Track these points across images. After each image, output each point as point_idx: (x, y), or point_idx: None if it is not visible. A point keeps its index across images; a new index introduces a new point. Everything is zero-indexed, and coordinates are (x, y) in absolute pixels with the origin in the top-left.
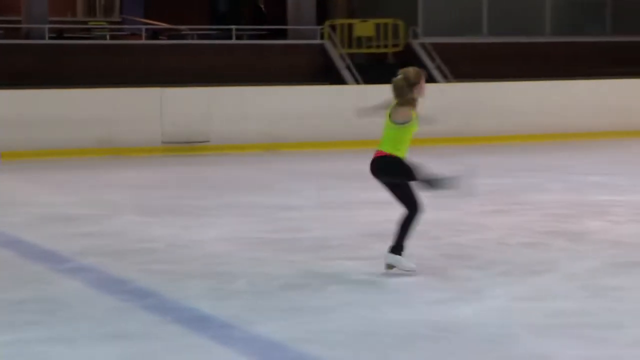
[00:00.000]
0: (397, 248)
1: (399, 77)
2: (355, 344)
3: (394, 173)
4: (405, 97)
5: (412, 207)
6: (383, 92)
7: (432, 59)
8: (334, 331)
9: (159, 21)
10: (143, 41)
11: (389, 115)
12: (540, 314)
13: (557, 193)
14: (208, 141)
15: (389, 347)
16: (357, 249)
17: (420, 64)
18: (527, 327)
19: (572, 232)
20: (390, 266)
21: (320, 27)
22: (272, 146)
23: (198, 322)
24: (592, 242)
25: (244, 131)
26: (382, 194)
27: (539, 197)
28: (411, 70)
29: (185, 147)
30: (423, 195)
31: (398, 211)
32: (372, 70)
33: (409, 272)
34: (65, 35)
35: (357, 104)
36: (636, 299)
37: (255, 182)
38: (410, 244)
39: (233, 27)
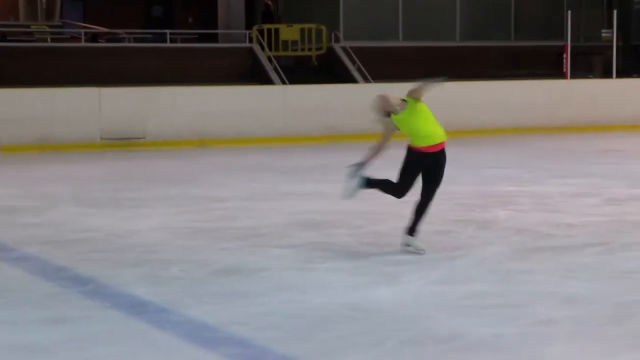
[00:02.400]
0: (411, 230)
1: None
2: (282, 325)
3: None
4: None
5: (431, 195)
6: (307, 92)
7: (353, 62)
8: (263, 314)
9: (97, 25)
10: (83, 44)
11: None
12: (453, 296)
13: (467, 184)
14: (144, 138)
15: (313, 327)
16: (284, 237)
17: (342, 66)
18: (440, 308)
19: (481, 220)
20: (406, 244)
21: (248, 31)
22: (203, 142)
23: (136, 307)
24: (500, 230)
25: (177, 128)
26: (305, 186)
27: (451, 188)
28: (375, 104)
29: (123, 143)
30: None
31: (320, 203)
32: (297, 71)
33: (419, 251)
34: (8, 38)
35: (284, 103)
36: (541, 281)
37: (188, 176)
38: (332, 232)
39: (167, 31)
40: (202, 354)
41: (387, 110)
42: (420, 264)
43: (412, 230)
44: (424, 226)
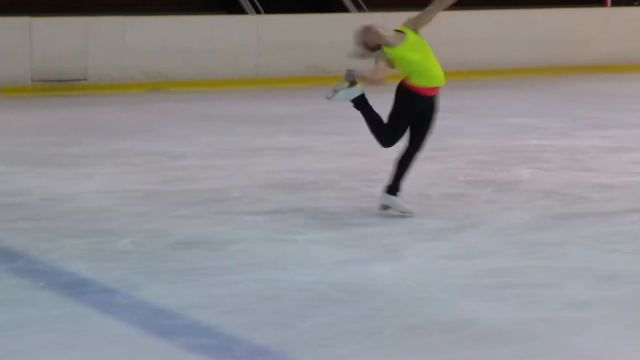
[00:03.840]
0: (392, 188)
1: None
2: (255, 309)
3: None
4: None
5: (422, 144)
6: (286, 24)
7: None
8: (231, 295)
9: None
10: None
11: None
12: (466, 274)
13: (482, 137)
14: (85, 79)
15: (293, 312)
16: (258, 201)
17: None
18: (450, 289)
19: (499, 181)
20: (384, 207)
21: None
22: (157, 85)
23: (75, 287)
24: (522, 193)
25: (126, 68)
26: (283, 138)
27: (462, 141)
28: (359, 37)
29: (59, 86)
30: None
31: (302, 159)
32: None
33: (404, 215)
34: None
35: (258, 37)
36: (571, 256)
37: (139, 127)
38: (318, 196)
39: None
40: (157, 345)
41: (375, 44)
42: (424, 235)
43: (394, 189)
44: (430, 188)
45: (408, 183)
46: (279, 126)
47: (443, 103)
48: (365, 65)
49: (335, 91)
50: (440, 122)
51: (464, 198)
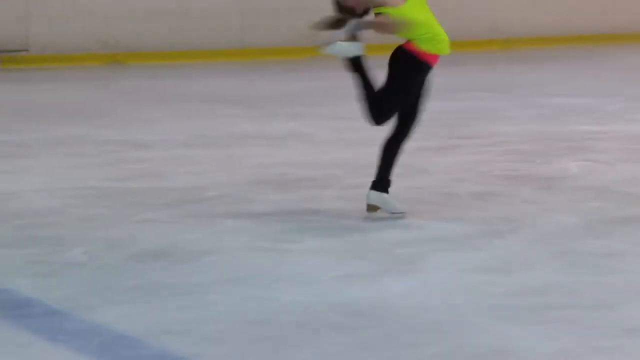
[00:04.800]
0: (381, 184)
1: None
2: (238, 337)
3: None
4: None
5: (409, 125)
6: None
7: None
8: (208, 319)
9: None
10: None
11: None
12: (501, 292)
13: (520, 122)
14: (26, 51)
15: (283, 341)
16: (242, 202)
17: None
18: (482, 310)
19: (542, 176)
20: (373, 208)
21: None
22: (116, 57)
23: (14, 309)
24: (570, 191)
25: (77, 37)
26: (274, 124)
27: (496, 127)
28: None
29: None
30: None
31: (297, 150)
32: None
33: (396, 216)
34: None
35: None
36: (631, 270)
37: (94, 109)
38: (316, 195)
39: None
40: None
41: (366, 7)
42: (449, 244)
43: (383, 184)
44: (456, 186)
45: (427, 179)
46: (269, 108)
47: (472, 80)
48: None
49: (332, 42)
50: (469, 104)
51: (498, 198)
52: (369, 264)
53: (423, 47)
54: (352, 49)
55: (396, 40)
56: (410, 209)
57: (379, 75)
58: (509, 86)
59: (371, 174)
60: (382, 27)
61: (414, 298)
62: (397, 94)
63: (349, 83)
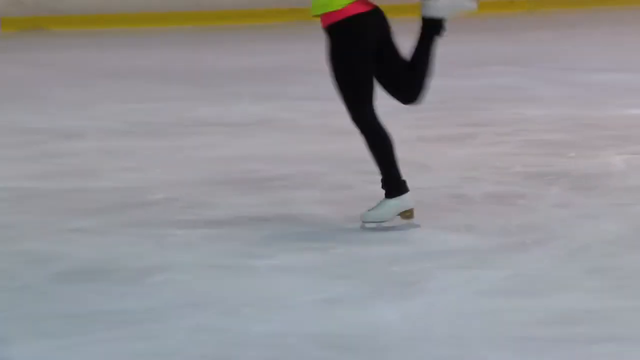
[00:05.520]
0: (394, 182)
1: None
2: None
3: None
4: None
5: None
6: None
7: None
8: (155, 354)
9: None
10: None
11: None
12: (524, 320)
13: (549, 104)
14: None
15: None
16: (197, 207)
17: None
18: (499, 343)
19: (577, 173)
20: (377, 221)
21: None
22: (37, 22)
23: None
24: (612, 192)
25: None
26: (241, 107)
27: (519, 111)
28: None
29: None
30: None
31: (270, 139)
32: None
33: (367, 225)
34: None
35: None
36: None
37: (6, 87)
38: (291, 197)
39: None
40: None
41: None
42: (458, 259)
43: (396, 187)
44: (466, 185)
45: (431, 178)
46: (231, 87)
47: (489, 51)
48: None
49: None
50: (484, 82)
51: (521, 201)
52: (357, 284)
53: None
54: (463, 2)
55: None
56: (418, 216)
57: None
58: (534, 58)
59: (361, 171)
60: None
61: (414, 328)
62: (349, 68)
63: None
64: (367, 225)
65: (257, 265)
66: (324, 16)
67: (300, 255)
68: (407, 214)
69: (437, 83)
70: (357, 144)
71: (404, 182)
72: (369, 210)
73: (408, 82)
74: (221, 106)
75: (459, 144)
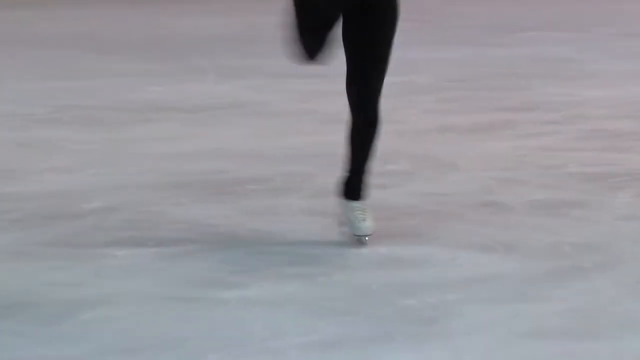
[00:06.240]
0: (355, 184)
1: None
2: None
3: None
4: None
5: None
6: None
7: None
8: None
9: None
10: None
11: None
12: None
13: (612, 82)
14: None
15: None
16: (142, 220)
17: None
18: None
19: None
20: (343, 223)
21: None
22: None
23: None
24: None
25: None
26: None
27: (572, 92)
28: None
29: None
30: None
31: (240, 130)
32: None
33: (341, 238)
34: None
35: None
36: None
37: None
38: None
39: None
40: None
41: None
42: (491, 289)
43: (354, 186)
44: (501, 190)
45: (457, 180)
46: (194, 59)
47: (532, 14)
48: None
49: None
50: (527, 52)
51: (575, 210)
52: (358, 323)
53: None
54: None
55: None
56: (433, 228)
57: None
58: (593, 22)
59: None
60: None
61: None
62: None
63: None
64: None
65: (224, 297)
66: None
67: (282, 284)
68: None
69: (463, 54)
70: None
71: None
72: (363, 221)
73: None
74: (178, 85)
75: (493, 135)
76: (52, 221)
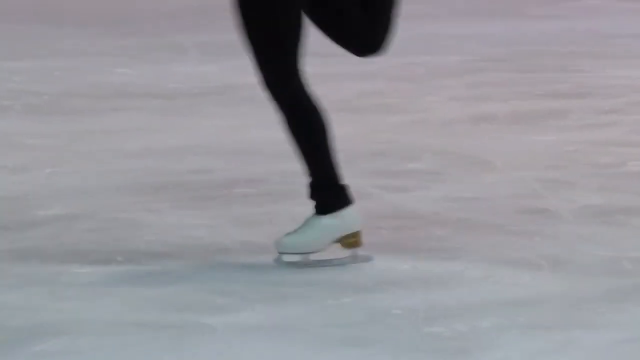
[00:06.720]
0: (324, 200)
1: None
2: None
3: None
4: None
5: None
6: None
7: None
8: None
9: None
10: None
11: None
12: None
13: None
14: None
15: None
16: (108, 231)
17: None
18: None
19: None
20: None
21: None
22: None
23: None
24: None
25: None
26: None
27: (634, 71)
28: None
29: None
30: None
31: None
32: None
33: (340, 262)
34: None
35: None
36: None
37: None
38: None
39: None
40: None
41: None
42: (533, 312)
43: (334, 194)
44: (548, 195)
45: (493, 182)
46: (171, 35)
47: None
48: None
49: None
50: (576, 25)
51: (634, 219)
52: (372, 354)
53: None
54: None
55: None
56: (457, 242)
57: None
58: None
59: (370, 170)
60: None
61: None
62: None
63: None
64: (286, 258)
65: (210, 323)
66: None
67: (280, 308)
68: (350, 241)
69: (500, 28)
70: (361, 127)
71: (344, 188)
72: (287, 235)
73: (363, 24)
74: (152, 65)
75: (537, 127)
76: (0, 231)
